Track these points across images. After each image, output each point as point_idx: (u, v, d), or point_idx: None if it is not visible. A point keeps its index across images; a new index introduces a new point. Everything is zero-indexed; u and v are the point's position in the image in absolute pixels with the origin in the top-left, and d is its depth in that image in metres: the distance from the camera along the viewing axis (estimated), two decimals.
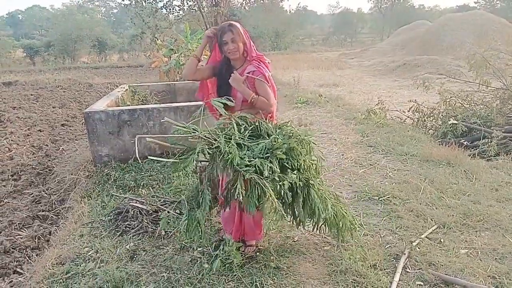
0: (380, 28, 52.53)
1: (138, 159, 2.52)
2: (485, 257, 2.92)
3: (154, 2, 16.51)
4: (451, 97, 6.94)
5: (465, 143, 5.90)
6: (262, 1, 18.13)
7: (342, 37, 48.61)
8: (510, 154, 5.32)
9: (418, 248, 3.02)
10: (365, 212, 3.67)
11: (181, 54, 10.82)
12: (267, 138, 2.55)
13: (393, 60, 19.47)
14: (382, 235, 3.25)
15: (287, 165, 2.53)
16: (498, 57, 7.52)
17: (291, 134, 2.62)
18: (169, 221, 3.33)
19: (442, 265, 2.80)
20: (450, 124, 6.27)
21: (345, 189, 4.22)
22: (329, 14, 67.94)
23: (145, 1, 16.23)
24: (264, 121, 2.67)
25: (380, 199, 3.92)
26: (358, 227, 3.30)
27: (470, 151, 5.62)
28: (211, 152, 2.44)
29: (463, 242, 3.13)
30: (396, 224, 3.41)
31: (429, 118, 7.09)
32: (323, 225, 2.90)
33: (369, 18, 58.14)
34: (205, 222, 3.36)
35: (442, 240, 3.15)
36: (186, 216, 2.59)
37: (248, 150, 2.47)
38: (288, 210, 2.78)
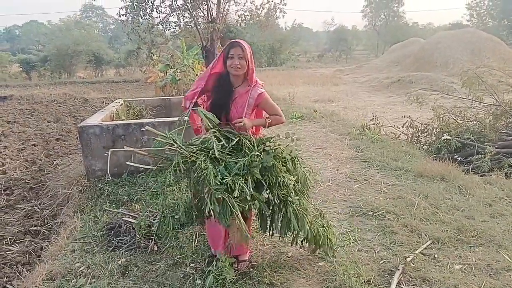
0: (375, 45, 53.22)
1: (109, 174, 2.53)
2: (479, 272, 2.91)
3: (150, 18, 16.66)
4: (444, 113, 7.00)
5: (459, 158, 5.94)
6: (258, 18, 18.34)
7: (337, 54, 48.99)
8: (504, 169, 5.35)
9: (412, 263, 3.00)
10: (359, 228, 3.66)
11: (177, 69, 10.92)
12: (248, 153, 2.55)
13: (387, 77, 19.68)
14: (376, 251, 3.24)
15: (264, 183, 2.54)
16: (490, 73, 7.62)
17: (273, 150, 2.64)
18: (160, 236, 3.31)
19: (436, 281, 2.79)
20: (444, 140, 6.30)
21: (340, 204, 4.21)
22: (324, 31, 68.88)
23: (141, 17, 16.37)
24: (247, 137, 2.69)
25: (374, 214, 3.92)
26: (344, 245, 3.30)
27: (464, 166, 5.65)
28: (185, 167, 2.42)
29: (457, 257, 3.12)
30: (391, 240, 3.40)
31: (423, 134, 7.15)
32: (303, 241, 2.95)
33: (364, 35, 58.96)
34: (198, 237, 3.35)
35: (436, 255, 3.14)
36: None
37: (225, 167, 2.46)
38: (268, 222, 2.79)
